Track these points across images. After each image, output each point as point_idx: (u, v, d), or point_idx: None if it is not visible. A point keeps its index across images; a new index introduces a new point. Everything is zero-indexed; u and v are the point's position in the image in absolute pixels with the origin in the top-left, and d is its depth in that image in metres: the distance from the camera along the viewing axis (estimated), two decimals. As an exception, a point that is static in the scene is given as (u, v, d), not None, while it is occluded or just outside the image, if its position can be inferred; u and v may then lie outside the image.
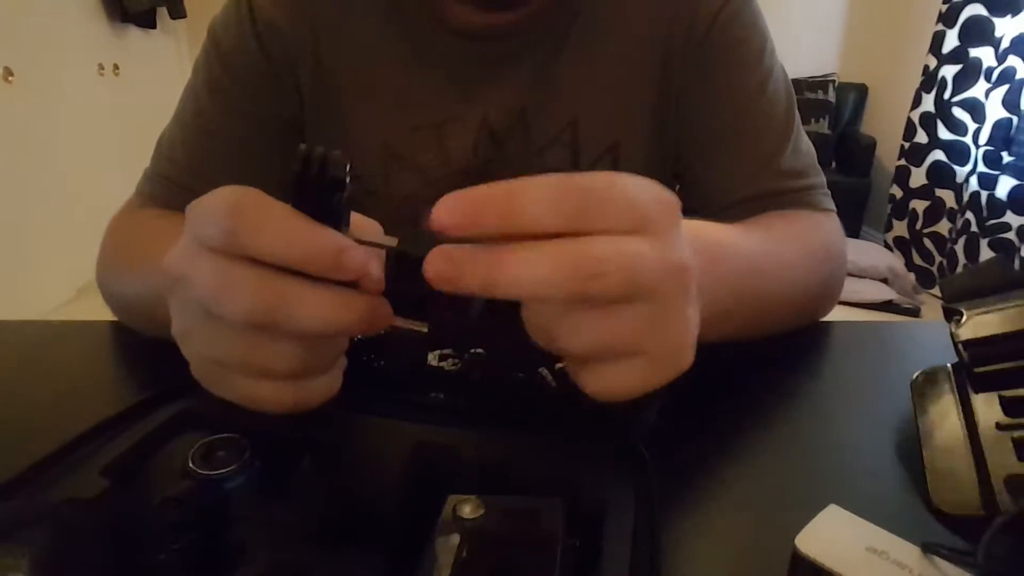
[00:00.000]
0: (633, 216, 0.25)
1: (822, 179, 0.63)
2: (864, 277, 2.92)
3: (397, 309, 0.29)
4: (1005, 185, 2.72)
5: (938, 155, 3.11)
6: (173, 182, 0.61)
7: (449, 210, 0.23)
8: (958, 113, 3.00)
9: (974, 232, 2.85)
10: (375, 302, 0.28)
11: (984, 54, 2.88)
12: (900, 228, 3.33)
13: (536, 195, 0.24)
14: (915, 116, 3.21)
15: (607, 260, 0.24)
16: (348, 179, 0.26)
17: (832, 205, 0.63)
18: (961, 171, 2.99)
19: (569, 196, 0.24)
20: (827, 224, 0.62)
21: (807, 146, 0.64)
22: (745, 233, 0.48)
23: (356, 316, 0.27)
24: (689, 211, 0.38)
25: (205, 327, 0.27)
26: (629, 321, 0.26)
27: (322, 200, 0.26)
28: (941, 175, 3.09)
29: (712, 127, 0.62)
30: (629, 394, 0.27)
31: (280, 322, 0.26)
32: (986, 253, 2.79)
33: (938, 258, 3.12)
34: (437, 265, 0.24)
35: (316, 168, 0.26)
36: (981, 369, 0.40)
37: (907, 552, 0.29)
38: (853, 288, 2.80)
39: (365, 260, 0.26)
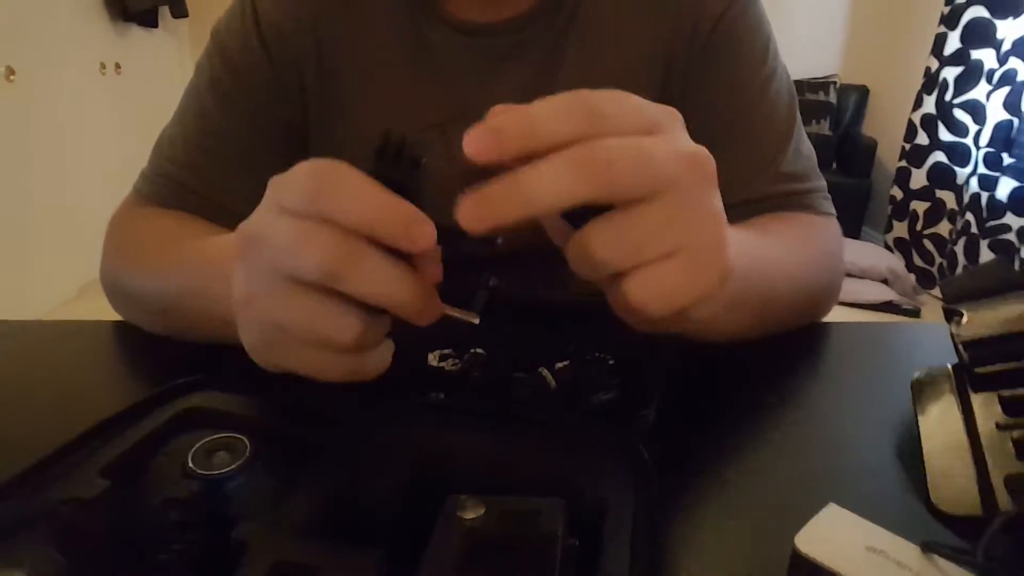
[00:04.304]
0: (642, 119, 0.27)
1: (822, 183, 0.63)
2: (864, 278, 2.92)
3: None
4: (1005, 187, 2.72)
5: (939, 156, 3.11)
6: (173, 181, 0.61)
7: (474, 141, 0.25)
8: (959, 115, 3.00)
9: (974, 233, 2.85)
10: (430, 289, 0.29)
11: (985, 56, 2.88)
12: (900, 229, 3.33)
13: (548, 110, 0.25)
14: (916, 118, 3.21)
15: (620, 153, 0.25)
16: (424, 159, 0.28)
17: (832, 209, 0.63)
18: (962, 172, 2.99)
19: (578, 106, 0.26)
20: (826, 228, 0.62)
21: (808, 149, 0.64)
22: (744, 232, 0.48)
23: (416, 295, 0.28)
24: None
25: (274, 289, 0.28)
26: (657, 217, 0.26)
27: (399, 177, 0.28)
28: (942, 176, 3.09)
29: (713, 128, 0.62)
30: (677, 299, 0.27)
31: (348, 283, 0.27)
32: (986, 254, 2.79)
33: (938, 259, 3.12)
34: (468, 208, 0.25)
35: (395, 146, 0.27)
36: (981, 369, 0.40)
37: (907, 551, 0.29)
38: (853, 289, 2.80)
39: (432, 236, 0.27)
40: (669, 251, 0.27)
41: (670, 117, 0.28)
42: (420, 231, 0.27)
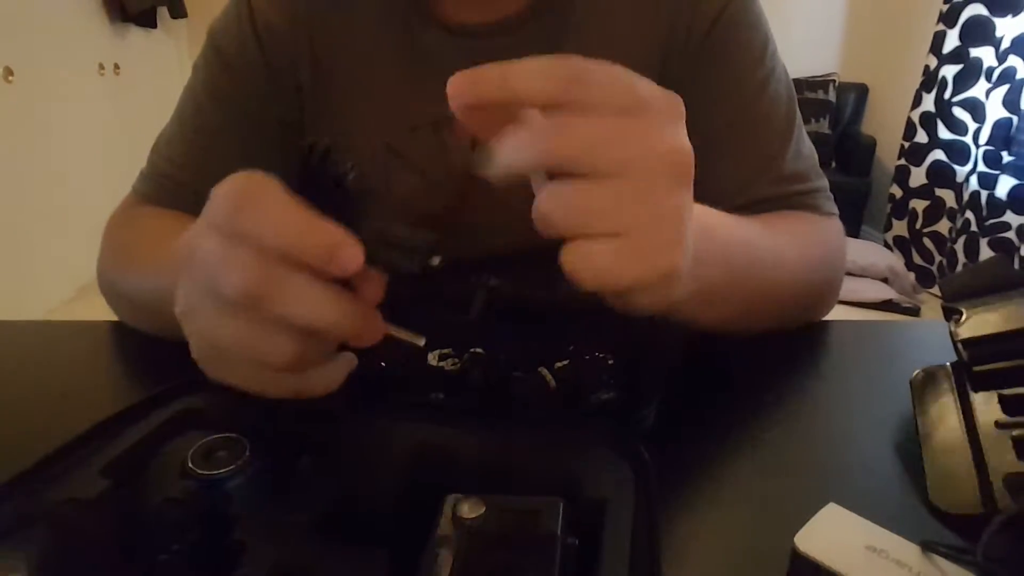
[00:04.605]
0: (628, 97, 0.27)
1: (824, 182, 0.63)
2: (864, 276, 2.92)
3: (395, 313, 0.29)
4: (1005, 185, 2.72)
5: (938, 155, 3.11)
6: (171, 181, 0.61)
7: (454, 82, 0.26)
8: (958, 113, 3.00)
9: (974, 231, 2.85)
10: (368, 311, 0.28)
11: (985, 54, 2.88)
12: (900, 227, 3.33)
13: (529, 66, 0.26)
14: (915, 116, 3.21)
15: (583, 130, 0.26)
16: (351, 173, 0.27)
17: (834, 208, 0.63)
18: (961, 171, 2.99)
19: (561, 69, 0.26)
20: (828, 227, 0.62)
21: (809, 149, 0.64)
22: (741, 222, 0.48)
23: (346, 318, 0.27)
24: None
25: (206, 306, 0.28)
26: (610, 196, 0.26)
27: (325, 193, 0.27)
28: (941, 175, 3.09)
29: (712, 129, 0.62)
30: (608, 280, 0.27)
31: (271, 305, 0.26)
32: (986, 252, 2.79)
33: (938, 257, 3.12)
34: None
35: (317, 161, 0.27)
36: (980, 368, 0.40)
37: (906, 550, 0.29)
38: (853, 287, 2.80)
39: (358, 259, 0.26)
40: (612, 231, 0.26)
41: (666, 103, 0.28)
42: (343, 254, 0.26)
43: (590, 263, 0.27)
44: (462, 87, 0.26)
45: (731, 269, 0.45)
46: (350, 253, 0.26)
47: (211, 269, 0.26)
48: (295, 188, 0.27)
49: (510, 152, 0.26)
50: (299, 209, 0.26)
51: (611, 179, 0.26)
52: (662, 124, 0.27)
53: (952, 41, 3.00)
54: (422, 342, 0.31)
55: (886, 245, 3.39)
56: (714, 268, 0.40)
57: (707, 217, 0.42)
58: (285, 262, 0.26)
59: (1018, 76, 2.72)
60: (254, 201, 0.26)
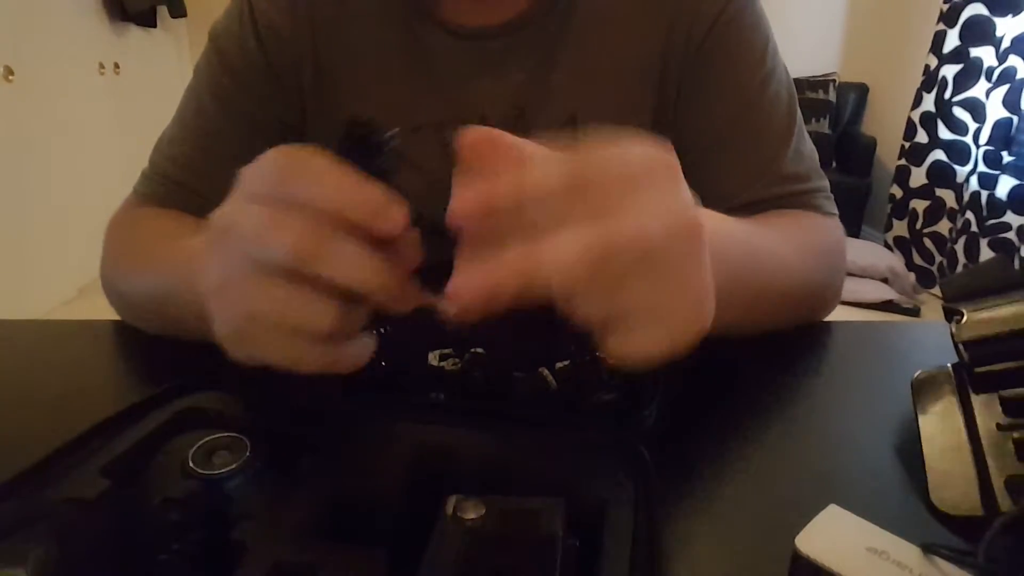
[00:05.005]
0: (628, 184, 0.26)
1: (825, 182, 0.63)
2: (864, 277, 2.92)
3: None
4: (1005, 185, 2.72)
5: (938, 155, 3.11)
6: (172, 181, 0.61)
7: (465, 203, 0.25)
8: (958, 113, 3.00)
9: (974, 232, 2.85)
10: (406, 276, 0.29)
11: (985, 54, 2.88)
12: (900, 228, 3.33)
13: (542, 184, 0.25)
14: (915, 116, 3.21)
15: (629, 241, 0.25)
16: (395, 140, 0.28)
17: (834, 209, 0.63)
18: (961, 171, 2.99)
19: (573, 182, 0.25)
20: (828, 227, 0.62)
21: (809, 149, 0.64)
22: (741, 222, 0.48)
23: (391, 281, 0.28)
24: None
25: (245, 277, 0.28)
26: (643, 288, 0.26)
27: (367, 161, 0.27)
28: (941, 175, 3.09)
29: (712, 129, 0.62)
30: (656, 354, 0.27)
31: (319, 266, 0.26)
32: (986, 253, 2.79)
33: (938, 258, 3.12)
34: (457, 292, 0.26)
35: (361, 131, 0.28)
36: (981, 369, 0.40)
37: (907, 552, 0.29)
38: (853, 288, 2.80)
39: (403, 218, 0.27)
40: (649, 315, 0.27)
41: (660, 169, 0.28)
42: (390, 213, 0.26)
43: (630, 349, 0.27)
44: (473, 205, 0.25)
45: (734, 272, 0.45)
46: (396, 212, 0.26)
47: (256, 236, 0.27)
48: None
49: (562, 270, 0.25)
50: (345, 171, 0.27)
51: (646, 273, 0.26)
52: (663, 196, 0.27)
53: (952, 41, 2.99)
54: (454, 309, 0.31)
55: (886, 245, 3.39)
56: (718, 273, 0.40)
57: (709, 221, 0.42)
58: (334, 224, 0.26)
59: (1018, 76, 2.72)
60: (300, 167, 0.27)
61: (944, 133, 3.06)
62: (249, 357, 0.30)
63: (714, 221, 0.44)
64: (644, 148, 0.27)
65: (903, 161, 3.29)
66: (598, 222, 0.25)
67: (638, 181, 0.26)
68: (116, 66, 3.03)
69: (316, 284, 0.27)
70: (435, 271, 0.29)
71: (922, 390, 0.45)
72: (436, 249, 0.29)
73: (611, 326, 0.27)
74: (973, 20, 2.91)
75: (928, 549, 0.29)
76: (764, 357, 0.54)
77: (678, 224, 0.27)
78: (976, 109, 2.92)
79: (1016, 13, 2.72)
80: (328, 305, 0.28)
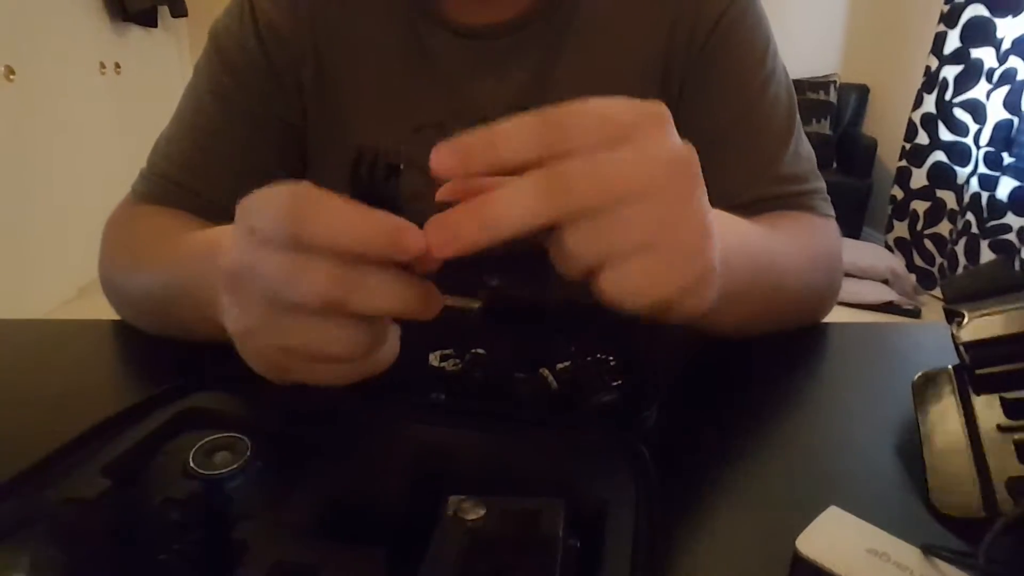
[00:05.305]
0: (608, 128, 0.27)
1: (822, 184, 0.63)
2: (865, 278, 2.92)
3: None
4: (1006, 186, 2.72)
5: (939, 156, 3.11)
6: (170, 181, 0.61)
7: (440, 157, 0.26)
8: (959, 114, 3.00)
9: (975, 233, 2.85)
10: (430, 286, 0.29)
11: (985, 55, 2.88)
12: (901, 229, 3.33)
13: (511, 129, 0.26)
14: (916, 117, 3.21)
15: (579, 175, 0.26)
16: (402, 165, 0.28)
17: (831, 211, 0.63)
18: (962, 172, 2.99)
19: (541, 125, 0.26)
20: (827, 228, 0.62)
21: (807, 150, 0.64)
22: (752, 223, 0.48)
23: (418, 297, 0.28)
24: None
25: (273, 319, 0.28)
26: (629, 221, 0.26)
27: (378, 190, 0.28)
28: (942, 176, 3.09)
29: (712, 129, 0.62)
30: (652, 294, 0.28)
31: (354, 304, 0.27)
32: (987, 254, 2.79)
33: (939, 259, 3.11)
34: (433, 234, 0.26)
35: (369, 159, 0.28)
36: (982, 371, 0.39)
37: (908, 554, 0.29)
38: (854, 289, 2.80)
39: (422, 240, 0.27)
40: (640, 248, 0.27)
41: (650, 117, 0.28)
42: (407, 238, 0.27)
43: (628, 286, 0.27)
44: (451, 162, 0.26)
45: (752, 271, 0.45)
46: (413, 236, 0.27)
47: (285, 282, 0.27)
48: (343, 185, 0.28)
49: (515, 220, 0.26)
50: (355, 207, 0.27)
51: (623, 207, 0.26)
52: (652, 137, 0.27)
53: (953, 42, 3.00)
54: (477, 305, 0.32)
55: (887, 247, 3.39)
56: (737, 269, 0.40)
57: (726, 220, 0.42)
58: (355, 260, 0.27)
59: (1019, 77, 2.72)
60: (311, 208, 0.27)
61: (945, 134, 3.06)
62: (286, 381, 0.31)
63: (732, 222, 0.44)
64: (626, 100, 0.28)
65: (904, 162, 3.29)
66: (566, 160, 0.26)
67: (610, 121, 0.27)
68: (117, 66, 3.03)
69: (346, 313, 0.27)
70: (445, 272, 0.30)
71: (923, 391, 0.45)
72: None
73: (603, 264, 0.27)
74: (974, 21, 2.91)
75: (928, 550, 0.29)
76: (764, 358, 0.54)
77: (658, 157, 0.27)
78: (977, 110, 2.92)
79: (1017, 14, 2.73)
80: (358, 330, 0.28)
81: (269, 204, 0.27)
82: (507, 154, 0.26)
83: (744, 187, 0.60)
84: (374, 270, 0.27)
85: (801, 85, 3.59)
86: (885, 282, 2.93)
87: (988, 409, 0.41)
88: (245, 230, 0.28)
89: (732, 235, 0.41)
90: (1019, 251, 2.67)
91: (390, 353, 0.31)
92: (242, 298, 0.29)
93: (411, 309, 0.28)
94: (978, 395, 0.42)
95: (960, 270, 2.89)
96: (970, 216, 2.87)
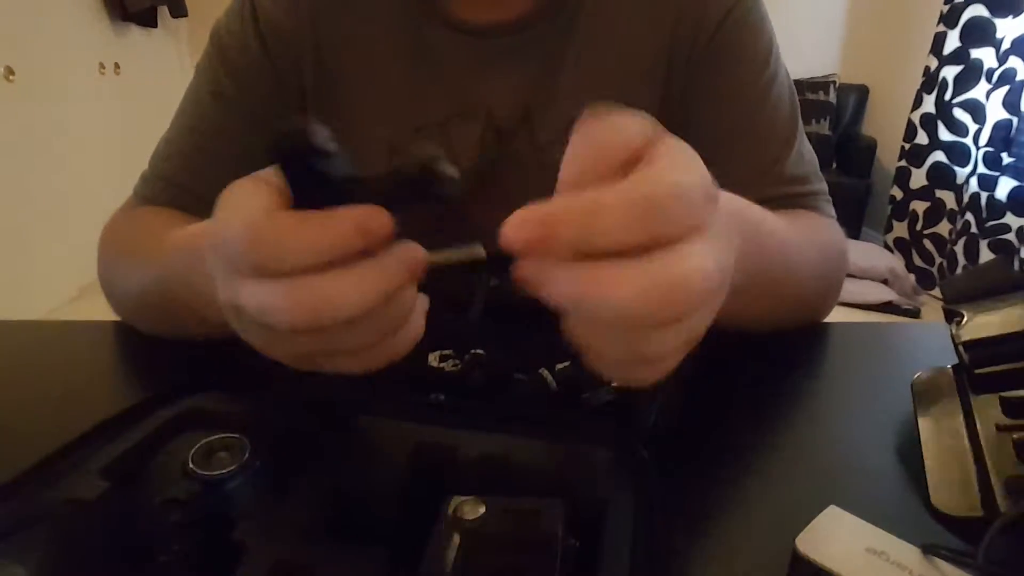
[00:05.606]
0: (692, 224, 0.24)
1: (824, 185, 0.63)
2: (864, 278, 2.92)
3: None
4: (1005, 186, 2.72)
5: (938, 156, 3.11)
6: (171, 183, 0.61)
7: (519, 231, 0.22)
8: (959, 114, 3.00)
9: (974, 233, 2.85)
10: (405, 251, 0.27)
11: (985, 55, 2.88)
12: (900, 229, 3.33)
13: (615, 212, 0.22)
14: (916, 117, 3.21)
15: (689, 281, 0.23)
16: (324, 145, 0.26)
17: (833, 212, 0.63)
18: (961, 172, 2.99)
19: (647, 213, 0.23)
20: (831, 228, 0.62)
21: (809, 152, 0.64)
22: (770, 214, 0.48)
23: (395, 277, 0.27)
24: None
25: (277, 339, 0.28)
26: (697, 328, 0.26)
27: (310, 174, 0.26)
28: (941, 176, 3.09)
29: (716, 130, 0.62)
30: (670, 368, 0.27)
31: (327, 320, 0.26)
32: (986, 254, 2.79)
33: (938, 259, 3.12)
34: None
35: (288, 146, 0.26)
36: (981, 371, 0.40)
37: (907, 553, 0.29)
38: (853, 289, 2.80)
39: (386, 223, 0.26)
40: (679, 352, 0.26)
41: (710, 208, 0.25)
42: (372, 226, 0.26)
43: (663, 372, 0.27)
44: (532, 238, 0.22)
45: (767, 260, 0.45)
46: (377, 222, 0.26)
47: (260, 317, 0.26)
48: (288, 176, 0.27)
49: (621, 304, 0.23)
50: (304, 220, 0.26)
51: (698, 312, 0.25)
52: (711, 244, 0.25)
53: (952, 42, 3.00)
54: (481, 251, 0.30)
55: (886, 247, 3.39)
56: (752, 258, 0.39)
57: (753, 223, 0.41)
58: (326, 269, 0.26)
59: (1018, 77, 2.72)
60: (265, 239, 0.26)
61: (944, 134, 3.06)
62: (316, 370, 0.30)
63: (758, 212, 0.44)
64: (694, 175, 0.24)
65: (903, 162, 3.29)
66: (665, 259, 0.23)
67: (695, 220, 0.24)
68: (116, 66, 3.03)
69: (331, 326, 0.27)
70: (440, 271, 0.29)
71: (922, 391, 0.45)
72: (440, 246, 0.29)
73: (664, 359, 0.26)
74: (973, 21, 2.91)
75: (928, 550, 0.29)
76: (764, 358, 0.54)
77: (719, 270, 0.25)
78: (976, 110, 2.92)
79: (1016, 14, 2.73)
80: (360, 327, 0.27)
81: (232, 240, 0.26)
82: (603, 245, 0.22)
83: (748, 188, 0.60)
84: (338, 277, 0.26)
85: (801, 85, 3.60)
86: (885, 282, 2.93)
87: (987, 409, 0.41)
88: (222, 265, 0.28)
89: (748, 221, 0.40)
90: (1018, 251, 2.67)
91: (414, 333, 0.30)
92: (244, 327, 0.29)
93: (394, 288, 0.27)
94: (977, 395, 0.42)
95: (959, 270, 2.90)
96: (969, 216, 2.88)
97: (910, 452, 0.41)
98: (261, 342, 0.29)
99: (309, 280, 0.26)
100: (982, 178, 2.84)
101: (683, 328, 0.25)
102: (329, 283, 0.26)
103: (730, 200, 0.34)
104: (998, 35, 2.81)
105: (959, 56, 2.98)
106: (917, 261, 3.22)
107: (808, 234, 0.56)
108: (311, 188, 0.26)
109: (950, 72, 3.02)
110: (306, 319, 0.26)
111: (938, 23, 3.07)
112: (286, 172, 0.27)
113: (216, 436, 0.33)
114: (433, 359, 0.45)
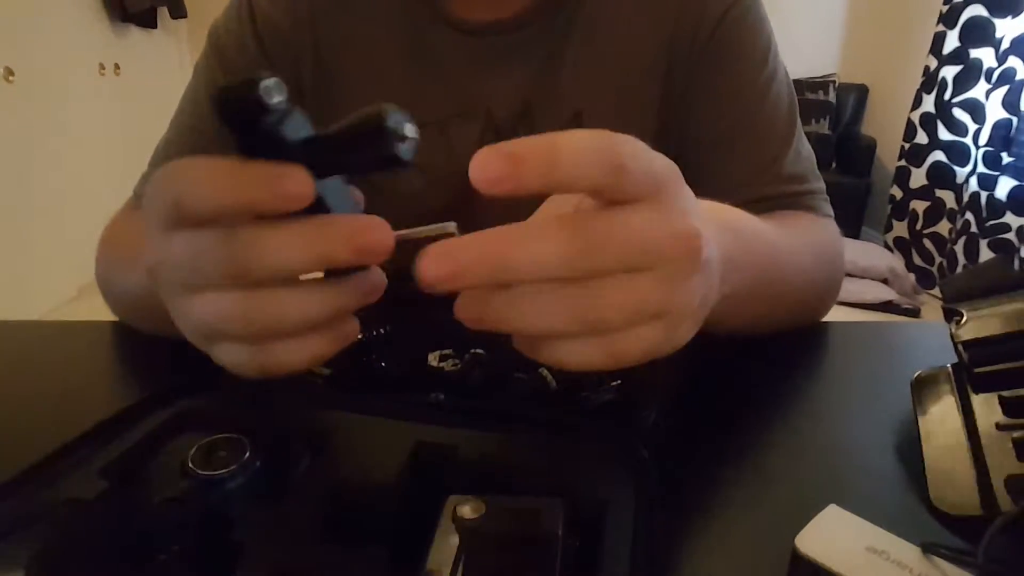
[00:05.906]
0: (651, 182, 0.25)
1: (822, 184, 0.64)
2: (864, 278, 2.92)
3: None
4: (1005, 186, 2.72)
5: (938, 156, 3.11)
6: None
7: (487, 165, 0.22)
8: (958, 114, 3.00)
9: (974, 233, 2.85)
10: (377, 221, 0.25)
11: (984, 55, 2.88)
12: (900, 228, 3.33)
13: (576, 148, 0.23)
14: (915, 117, 3.21)
15: (614, 237, 0.24)
16: (274, 100, 0.24)
17: (831, 211, 0.63)
18: (961, 172, 2.99)
19: (606, 155, 0.23)
20: (829, 228, 0.62)
21: (808, 151, 0.64)
22: (764, 220, 0.48)
23: (335, 240, 0.24)
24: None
25: (195, 302, 0.26)
26: (649, 286, 0.25)
27: (260, 135, 0.24)
28: (941, 176, 3.09)
29: (715, 129, 0.62)
30: (652, 355, 0.27)
31: (256, 269, 0.24)
32: (986, 254, 2.79)
33: (938, 259, 3.12)
34: (434, 264, 0.23)
35: (234, 100, 0.24)
36: (981, 370, 0.40)
37: (907, 552, 0.29)
38: (853, 288, 2.80)
39: (306, 185, 0.24)
40: (657, 315, 0.26)
41: (673, 176, 0.27)
42: (288, 184, 0.23)
43: (641, 348, 0.27)
44: (500, 173, 0.22)
45: (759, 269, 0.45)
46: (295, 180, 0.23)
47: (185, 269, 0.25)
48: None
49: (539, 263, 0.23)
50: (221, 164, 0.24)
51: (644, 272, 0.25)
52: (673, 205, 0.26)
53: (952, 42, 3.00)
54: (452, 227, 0.28)
55: (886, 246, 3.39)
56: (744, 269, 0.39)
57: (738, 227, 0.41)
58: (252, 224, 0.24)
59: (1018, 77, 2.72)
60: (180, 180, 0.24)
61: (944, 134, 3.06)
62: (239, 371, 0.27)
63: (743, 217, 0.44)
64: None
65: (903, 162, 3.29)
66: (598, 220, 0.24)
67: (655, 179, 0.25)
68: (116, 67, 3.03)
69: (261, 278, 0.25)
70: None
71: (922, 390, 0.45)
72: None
73: (629, 323, 0.26)
74: (973, 21, 2.91)
75: (928, 549, 0.29)
76: (764, 358, 0.54)
77: (678, 233, 0.25)
78: (976, 110, 2.92)
79: (1016, 14, 2.73)
80: (294, 296, 0.25)
81: (154, 191, 0.25)
82: (566, 180, 0.23)
83: (746, 186, 0.60)
84: (271, 228, 0.24)
85: (800, 85, 3.60)
86: (884, 281, 2.93)
87: (987, 408, 0.41)
88: (149, 222, 0.26)
89: (740, 239, 0.41)
90: (1018, 250, 2.67)
91: (351, 330, 0.28)
92: (164, 288, 0.27)
93: (333, 253, 0.24)
94: (977, 394, 0.42)
95: (959, 269, 2.90)
96: (969, 215, 2.88)
97: (910, 451, 0.41)
98: (182, 306, 0.27)
99: (235, 230, 0.24)
100: (982, 177, 2.84)
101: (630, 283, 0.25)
102: (258, 230, 0.24)
103: (712, 209, 0.33)
104: (997, 35, 2.81)
105: (959, 56, 2.98)
106: (917, 260, 3.22)
107: (801, 235, 0.56)
108: (261, 151, 0.24)
109: (950, 72, 3.02)
110: (233, 269, 0.24)
111: (937, 23, 3.07)
112: (233, 132, 0.24)
113: (216, 436, 0.33)
114: (433, 359, 0.45)
